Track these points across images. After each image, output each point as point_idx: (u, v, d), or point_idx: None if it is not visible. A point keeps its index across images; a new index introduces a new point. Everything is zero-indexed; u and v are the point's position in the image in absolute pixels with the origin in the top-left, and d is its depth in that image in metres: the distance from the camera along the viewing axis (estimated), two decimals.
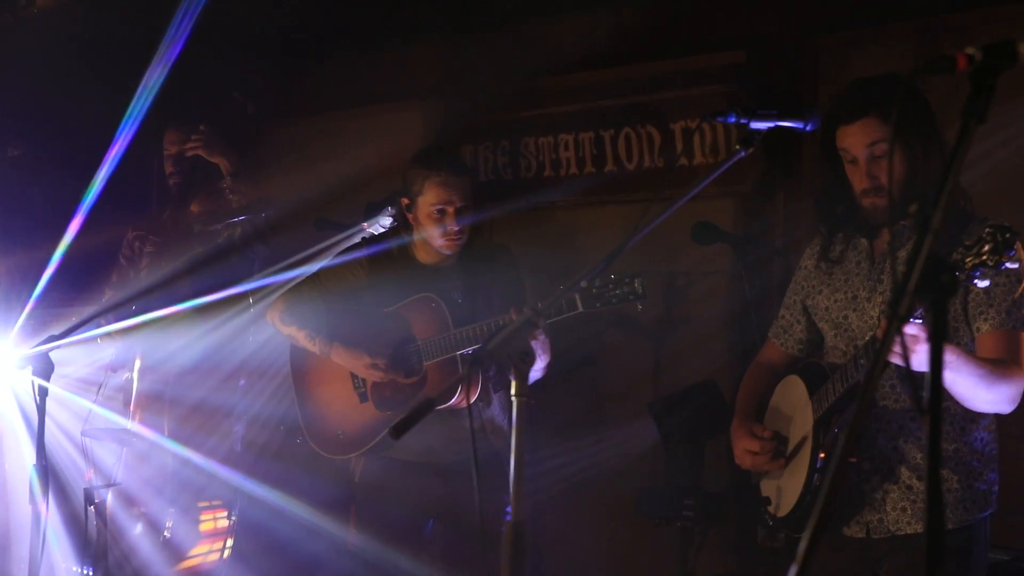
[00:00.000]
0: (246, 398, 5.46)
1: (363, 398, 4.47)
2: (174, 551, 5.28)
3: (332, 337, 4.49)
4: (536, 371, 4.17)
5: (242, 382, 5.54)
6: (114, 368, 5.43)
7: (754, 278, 5.08)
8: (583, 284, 3.78)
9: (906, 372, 2.52)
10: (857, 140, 3.19)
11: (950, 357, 2.90)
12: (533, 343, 3.98)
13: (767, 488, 3.50)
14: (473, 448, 2.49)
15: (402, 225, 4.49)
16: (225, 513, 5.50)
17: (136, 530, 5.35)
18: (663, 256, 5.57)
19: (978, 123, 1.81)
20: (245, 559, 5.46)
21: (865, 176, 3.21)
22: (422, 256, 4.47)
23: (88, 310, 4.96)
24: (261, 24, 6.78)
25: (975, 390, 3.03)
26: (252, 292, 5.48)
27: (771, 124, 2.93)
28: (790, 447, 3.38)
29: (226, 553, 5.50)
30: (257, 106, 7.28)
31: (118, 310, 5.07)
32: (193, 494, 5.31)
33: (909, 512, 3.23)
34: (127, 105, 5.72)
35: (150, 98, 5.70)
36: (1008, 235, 2.55)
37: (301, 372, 4.72)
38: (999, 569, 4.12)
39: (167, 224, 5.54)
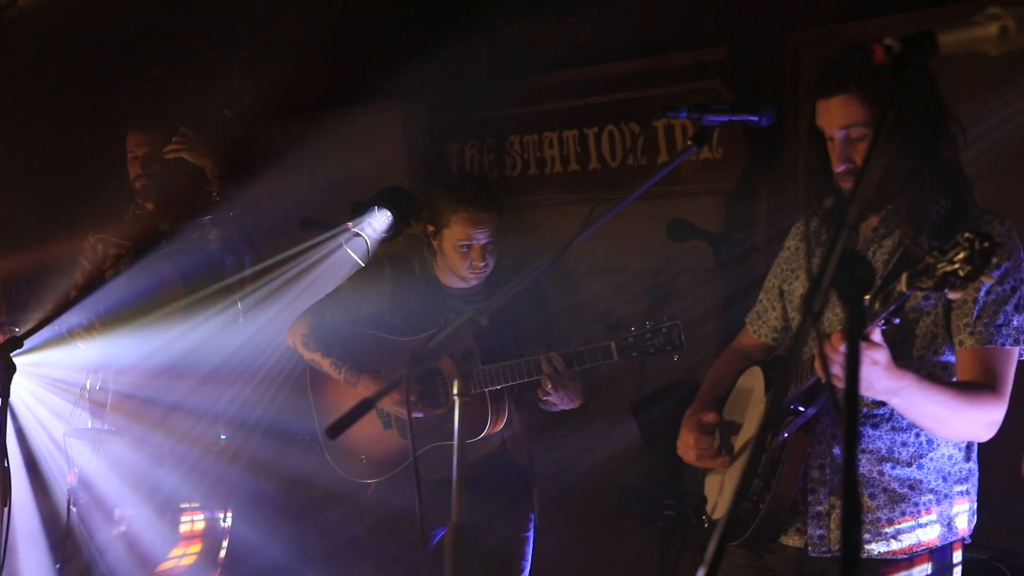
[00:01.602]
0: (227, 402, 5.42)
1: (387, 425, 4.37)
2: (151, 553, 5.25)
3: (359, 368, 4.34)
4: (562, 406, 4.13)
5: (221, 388, 5.50)
6: (94, 369, 5.40)
7: (734, 275, 5.03)
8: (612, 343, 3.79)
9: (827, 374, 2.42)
10: (832, 119, 2.88)
11: (903, 383, 2.64)
12: (557, 394, 3.95)
13: (710, 485, 3.26)
14: (413, 455, 2.44)
15: (426, 247, 4.38)
16: (201, 516, 5.46)
17: (112, 531, 5.32)
18: (646, 253, 5.53)
19: (896, 114, 1.76)
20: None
21: (840, 158, 2.91)
22: (446, 279, 4.34)
23: (50, 311, 4.93)
24: (243, 25, 6.76)
25: (935, 420, 2.79)
26: (236, 291, 5.47)
27: (724, 119, 2.87)
28: (738, 444, 3.14)
29: (221, 554, 5.46)
30: (240, 108, 7.27)
31: (87, 311, 5.05)
32: (169, 496, 5.28)
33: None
34: (109, 104, 5.72)
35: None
36: (987, 244, 2.24)
37: (321, 390, 4.61)
38: (976, 568, 4.07)
39: (134, 226, 5.50)
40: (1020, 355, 2.86)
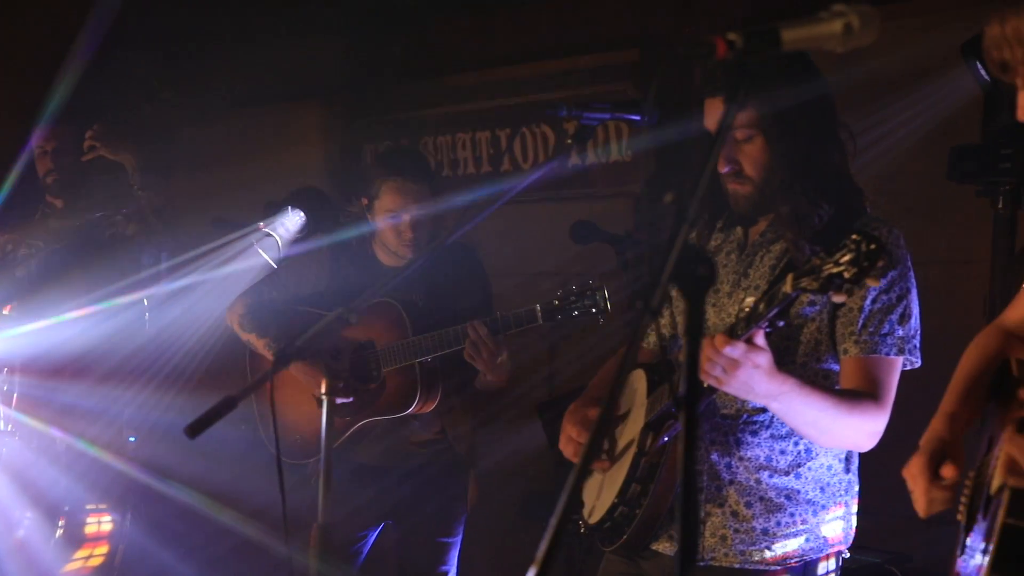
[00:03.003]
0: (129, 400, 5.35)
1: (320, 403, 4.30)
2: (57, 554, 5.17)
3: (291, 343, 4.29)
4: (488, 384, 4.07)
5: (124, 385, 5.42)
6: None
7: (636, 276, 5.02)
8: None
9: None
10: (715, 119, 2.78)
11: (784, 388, 2.58)
12: (482, 360, 3.87)
13: (590, 488, 3.13)
14: (277, 447, 2.40)
15: (363, 224, 4.32)
16: (109, 517, 5.38)
17: (19, 532, 5.24)
18: (554, 254, 5.52)
19: (739, 109, 1.74)
20: None
21: (725, 158, 2.82)
22: (383, 257, 4.29)
23: None
24: (163, 22, 6.69)
25: (816, 428, 2.73)
26: (144, 288, 5.41)
27: (605, 117, 2.85)
28: (619, 447, 3.02)
29: (117, 558, 5.39)
30: (158, 104, 7.20)
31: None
32: (62, 497, 5.20)
33: (729, 542, 2.86)
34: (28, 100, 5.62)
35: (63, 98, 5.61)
36: (873, 246, 2.20)
37: (259, 374, 4.53)
38: (868, 571, 4.09)
39: (43, 225, 5.42)
40: (905, 364, 2.84)
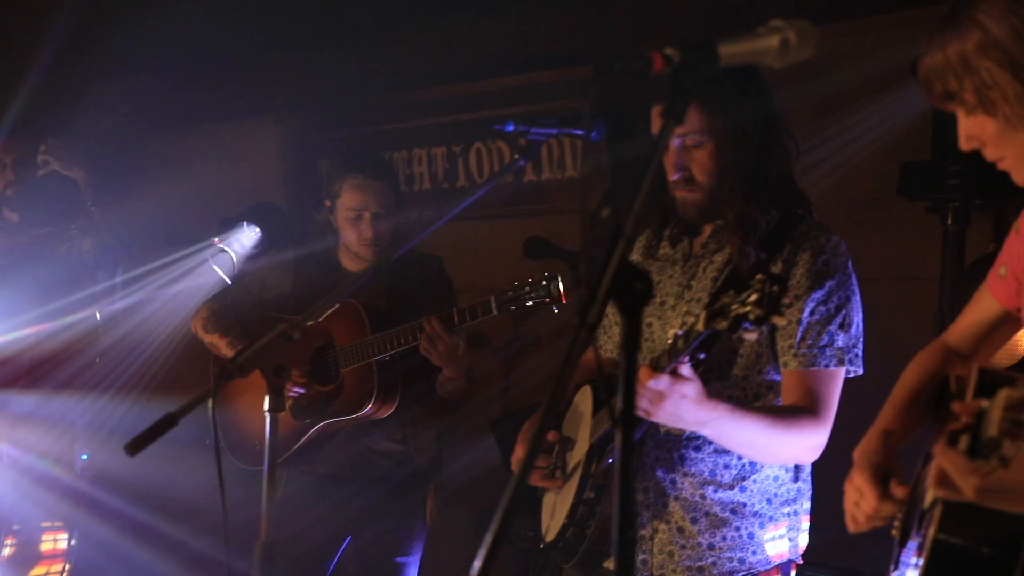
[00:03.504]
0: (81, 413, 5.29)
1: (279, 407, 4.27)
2: (7, 573, 5.10)
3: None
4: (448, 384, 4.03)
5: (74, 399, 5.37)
6: None
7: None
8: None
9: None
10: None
11: (715, 414, 2.58)
12: (438, 354, 3.82)
13: (546, 506, 3.13)
14: (218, 464, 2.37)
15: (328, 229, 4.30)
16: (65, 535, 5.32)
17: None
18: (510, 270, 5.50)
19: (676, 123, 1.74)
20: None
21: (676, 166, 2.82)
22: (347, 262, 4.25)
23: None
24: (121, 36, 6.65)
25: (752, 448, 2.74)
26: (97, 302, 5.37)
27: (552, 133, 2.83)
28: (571, 465, 3.02)
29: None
30: (116, 118, 7.15)
31: None
32: (29, 513, 5.14)
33: (676, 558, 2.86)
34: None
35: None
36: (775, 288, 2.23)
37: (227, 394, 4.48)
38: None
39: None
40: (848, 373, 2.84)
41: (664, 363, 2.51)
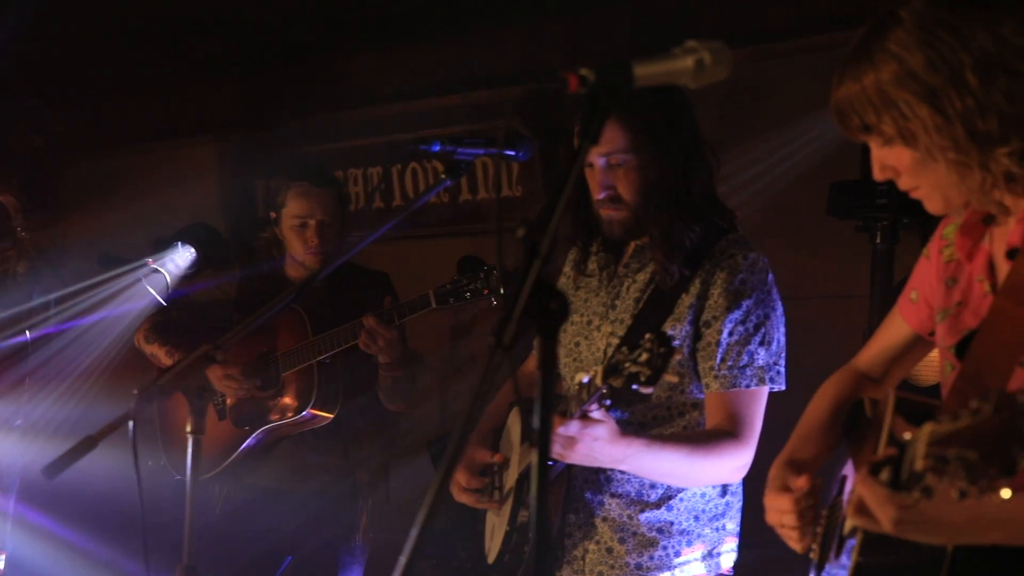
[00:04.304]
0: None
1: (221, 415, 4.21)
2: None
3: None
4: (390, 381, 4.01)
5: (19, 422, 5.32)
6: None
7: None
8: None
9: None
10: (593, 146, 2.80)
11: (631, 451, 2.61)
12: (377, 347, 3.80)
13: (488, 525, 3.15)
14: (139, 487, 2.34)
15: (275, 245, 4.26)
16: (4, 556, 5.26)
17: None
18: None
19: (592, 144, 1.74)
20: None
21: (601, 185, 2.82)
22: (292, 273, 4.24)
23: None
24: (58, 56, 6.59)
25: (672, 476, 2.77)
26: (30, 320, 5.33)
27: (478, 153, 2.82)
28: (507, 487, 3.00)
29: None
30: (49, 141, 7.09)
31: None
32: None
33: None
34: None
35: None
36: (663, 348, 2.28)
37: (166, 412, 4.41)
38: None
39: None
40: (772, 389, 2.85)
41: (573, 408, 2.53)
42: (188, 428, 2.45)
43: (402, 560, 1.64)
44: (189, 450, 2.44)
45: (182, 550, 2.42)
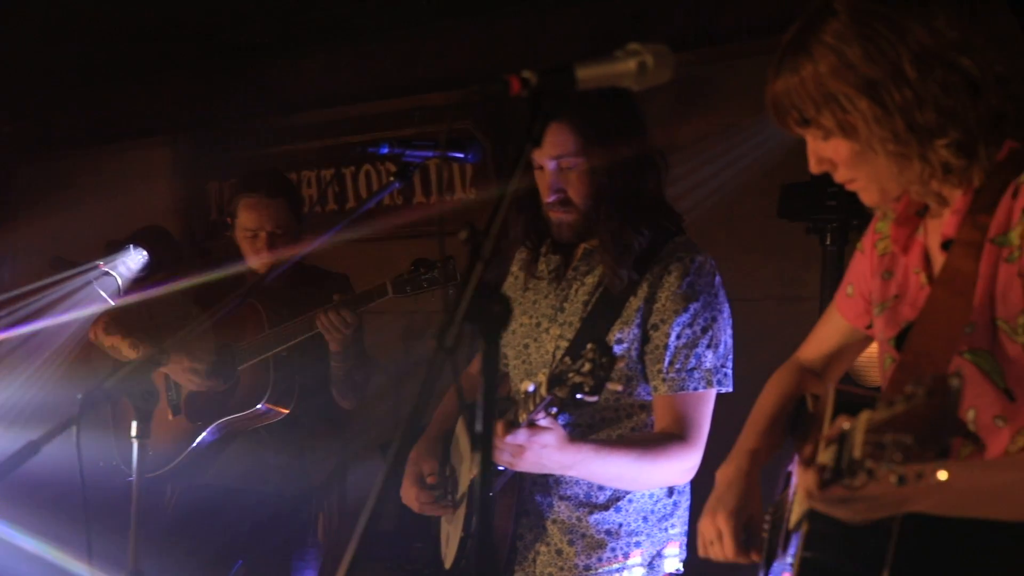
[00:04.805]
0: None
1: (176, 410, 4.17)
2: None
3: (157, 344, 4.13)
4: (342, 373, 3.98)
5: None
6: None
7: None
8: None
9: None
10: (543, 148, 2.73)
11: (579, 456, 2.62)
12: (332, 336, 3.80)
13: (443, 531, 3.13)
14: (83, 490, 2.31)
15: (233, 243, 4.22)
16: None
17: None
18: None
19: (534, 146, 1.74)
20: None
21: (551, 188, 2.81)
22: (252, 277, 4.15)
23: None
24: (4, 54, 6.52)
25: (621, 480, 2.79)
26: None
27: (427, 155, 2.83)
28: (460, 492, 3.01)
29: None
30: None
31: None
32: None
33: None
34: None
35: None
36: (606, 358, 2.29)
37: (124, 412, 4.35)
38: None
39: None
40: (720, 391, 2.86)
41: (521, 415, 2.53)
42: (132, 433, 2.43)
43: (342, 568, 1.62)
44: (135, 454, 2.42)
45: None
